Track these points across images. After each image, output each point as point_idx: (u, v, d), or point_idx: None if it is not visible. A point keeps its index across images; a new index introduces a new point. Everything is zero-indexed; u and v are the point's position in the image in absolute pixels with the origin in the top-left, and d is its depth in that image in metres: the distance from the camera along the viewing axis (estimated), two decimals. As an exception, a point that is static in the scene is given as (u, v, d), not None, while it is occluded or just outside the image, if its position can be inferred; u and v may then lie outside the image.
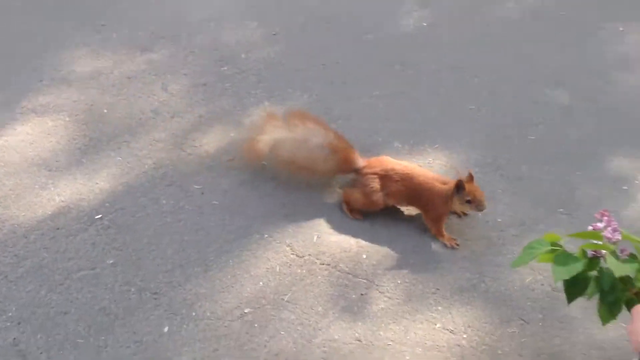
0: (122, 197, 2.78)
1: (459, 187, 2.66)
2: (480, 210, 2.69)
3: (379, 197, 2.78)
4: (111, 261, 2.54)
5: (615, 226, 1.84)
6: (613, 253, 1.83)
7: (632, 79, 3.46)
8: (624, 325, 2.38)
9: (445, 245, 2.71)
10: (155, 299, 2.44)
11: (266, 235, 2.71)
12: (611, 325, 2.37)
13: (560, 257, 1.86)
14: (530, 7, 4.09)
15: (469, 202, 2.68)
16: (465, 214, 2.85)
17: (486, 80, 3.43)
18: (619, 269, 1.78)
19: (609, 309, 1.89)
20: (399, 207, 2.83)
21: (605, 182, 2.93)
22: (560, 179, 2.93)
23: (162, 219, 2.73)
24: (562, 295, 2.47)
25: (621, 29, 3.85)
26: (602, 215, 1.86)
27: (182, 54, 3.45)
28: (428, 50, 3.62)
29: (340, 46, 3.53)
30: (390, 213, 2.81)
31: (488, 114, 3.24)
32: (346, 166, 2.85)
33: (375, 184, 2.79)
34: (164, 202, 2.80)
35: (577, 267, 1.82)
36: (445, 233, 2.76)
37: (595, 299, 1.91)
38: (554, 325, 2.42)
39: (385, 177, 2.78)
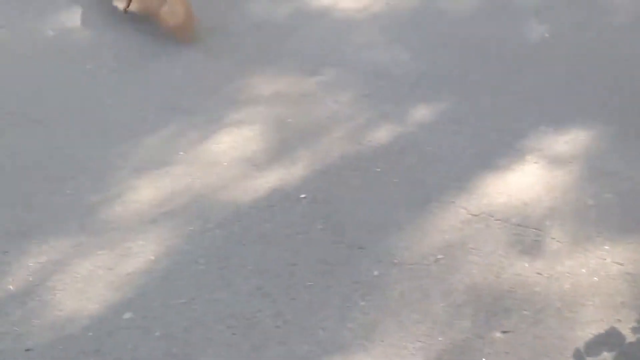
0: (319, 179, 3.32)
1: None
2: None
3: None
4: (320, 227, 3.05)
5: None
6: None
7: None
8: None
9: None
10: (361, 251, 2.92)
11: (439, 203, 3.18)
12: None
13: None
14: None
15: None
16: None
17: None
18: None
19: None
20: None
21: None
22: None
23: (356, 193, 3.25)
24: None
25: None
26: None
27: (343, 75, 4.01)
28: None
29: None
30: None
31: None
32: None
33: None
34: (354, 179, 3.33)
35: None
36: None
37: None
38: None
39: None
